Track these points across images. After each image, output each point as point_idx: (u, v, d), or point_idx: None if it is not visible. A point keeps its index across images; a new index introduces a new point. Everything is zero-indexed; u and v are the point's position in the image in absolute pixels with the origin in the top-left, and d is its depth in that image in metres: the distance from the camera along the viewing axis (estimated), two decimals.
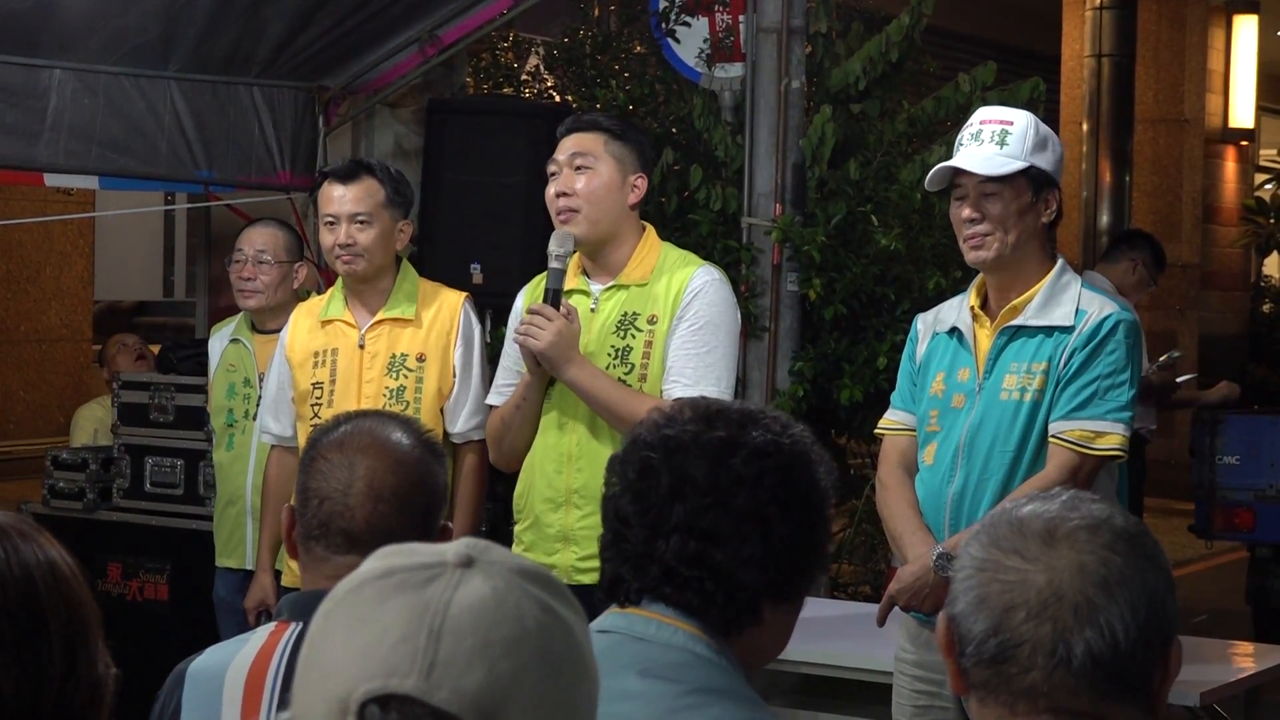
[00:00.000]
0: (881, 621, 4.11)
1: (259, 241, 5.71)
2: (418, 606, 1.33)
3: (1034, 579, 1.73)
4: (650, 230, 4.51)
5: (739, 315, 4.51)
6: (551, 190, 4.44)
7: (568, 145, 4.46)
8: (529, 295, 4.57)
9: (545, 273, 4.49)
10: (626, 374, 4.33)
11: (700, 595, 2.12)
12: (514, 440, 4.50)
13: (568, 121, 4.55)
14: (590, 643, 1.42)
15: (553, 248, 4.34)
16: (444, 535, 2.56)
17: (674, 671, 2.07)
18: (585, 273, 4.46)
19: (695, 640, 2.12)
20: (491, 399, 4.64)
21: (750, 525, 2.12)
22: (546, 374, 4.36)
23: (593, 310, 4.40)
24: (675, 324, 4.34)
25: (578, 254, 4.44)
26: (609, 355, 4.35)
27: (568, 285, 4.40)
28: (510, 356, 4.56)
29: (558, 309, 4.29)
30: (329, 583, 2.47)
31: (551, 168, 4.47)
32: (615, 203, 4.40)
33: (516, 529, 4.50)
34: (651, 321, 4.35)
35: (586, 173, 4.40)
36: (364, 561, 1.39)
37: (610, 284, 4.42)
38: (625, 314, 4.38)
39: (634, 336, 4.36)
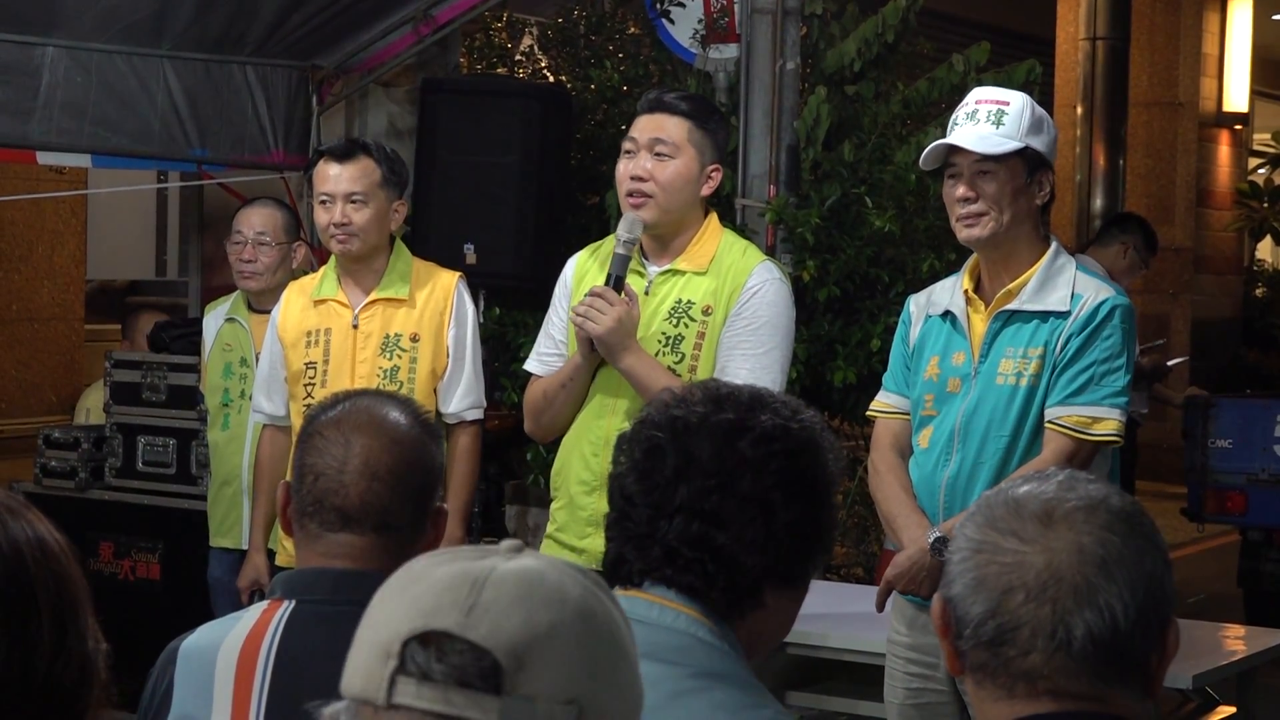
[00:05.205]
0: (881, 607, 4.10)
1: (258, 223, 5.69)
2: (469, 569, 1.41)
3: (1032, 560, 1.72)
4: (713, 216, 4.35)
5: (794, 315, 4.33)
6: (625, 168, 4.24)
7: (648, 127, 4.25)
8: (580, 266, 4.42)
9: (596, 243, 4.40)
10: (677, 363, 4.19)
11: (702, 577, 2.11)
12: (555, 416, 4.34)
13: (650, 98, 4.33)
14: (633, 640, 1.47)
15: (621, 233, 4.19)
16: (439, 516, 2.55)
17: (676, 655, 2.07)
18: (642, 252, 4.29)
19: (697, 624, 2.11)
20: (531, 365, 4.45)
21: (754, 508, 2.11)
22: (597, 358, 4.21)
23: (646, 293, 4.24)
24: (731, 319, 4.19)
25: None
26: (659, 341, 4.20)
27: None
28: (554, 324, 4.41)
29: (619, 294, 4.14)
30: (322, 560, 2.49)
31: (628, 145, 4.27)
32: (690, 194, 4.23)
33: (552, 506, 4.38)
34: (706, 313, 4.20)
35: (667, 161, 4.20)
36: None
37: (666, 267, 4.26)
38: (680, 301, 4.22)
39: (687, 326, 4.21)
